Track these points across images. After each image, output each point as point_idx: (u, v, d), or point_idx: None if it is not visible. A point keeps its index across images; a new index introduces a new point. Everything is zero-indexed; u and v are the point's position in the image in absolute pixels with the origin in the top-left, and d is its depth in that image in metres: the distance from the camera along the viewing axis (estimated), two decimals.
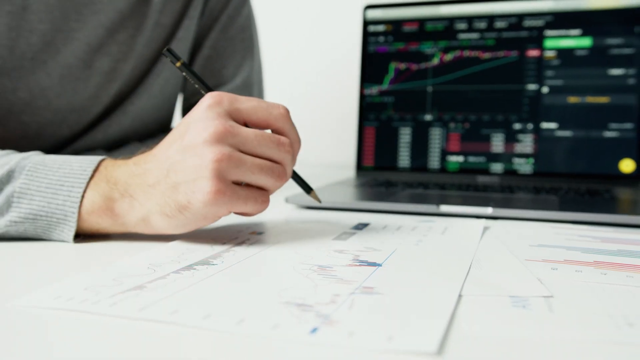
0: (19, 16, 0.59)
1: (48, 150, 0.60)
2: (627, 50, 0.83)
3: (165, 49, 0.47)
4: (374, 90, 0.95)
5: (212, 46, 0.78)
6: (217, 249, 0.41)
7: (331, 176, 0.91)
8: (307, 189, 0.51)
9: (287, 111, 0.45)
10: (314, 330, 0.25)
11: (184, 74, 0.47)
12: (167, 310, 0.28)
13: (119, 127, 0.71)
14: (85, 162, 0.44)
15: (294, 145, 0.45)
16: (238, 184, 0.42)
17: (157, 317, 0.27)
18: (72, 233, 0.43)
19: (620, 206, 0.63)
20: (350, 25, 1.21)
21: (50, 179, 0.43)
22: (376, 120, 0.94)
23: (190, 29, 0.75)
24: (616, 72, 0.83)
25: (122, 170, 0.43)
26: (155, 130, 0.78)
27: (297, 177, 0.50)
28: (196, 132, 0.41)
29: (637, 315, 0.28)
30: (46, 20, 0.61)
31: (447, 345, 0.24)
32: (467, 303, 0.30)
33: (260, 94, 0.84)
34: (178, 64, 0.47)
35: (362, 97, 0.95)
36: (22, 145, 0.65)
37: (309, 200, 0.63)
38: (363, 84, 0.96)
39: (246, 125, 0.43)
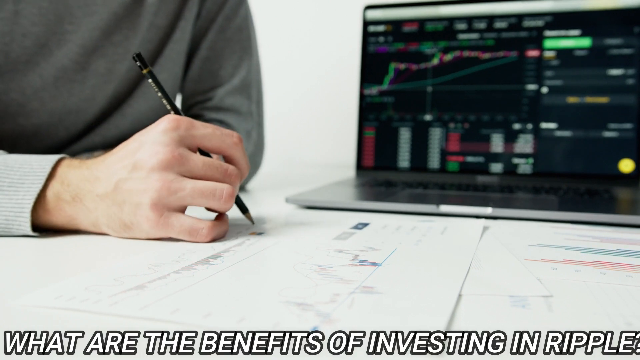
0: (12, 21, 0.59)
1: (46, 153, 0.60)
2: (626, 51, 0.83)
3: (134, 54, 0.47)
4: (373, 90, 0.95)
5: (209, 47, 0.78)
6: (217, 248, 0.41)
7: (331, 176, 0.91)
8: (244, 208, 0.52)
9: (240, 139, 0.47)
10: (314, 329, 0.25)
11: (149, 81, 0.48)
12: (168, 309, 0.28)
13: (117, 130, 0.71)
14: (44, 161, 0.45)
15: (243, 173, 0.47)
16: (182, 209, 0.44)
17: (157, 316, 0.27)
18: (28, 225, 0.44)
19: (619, 206, 0.63)
20: (350, 25, 1.21)
21: (12, 178, 0.45)
22: (376, 120, 0.94)
23: (186, 30, 0.74)
24: (615, 72, 0.83)
25: (75, 172, 0.45)
26: None
27: (238, 200, 0.51)
28: (147, 154, 0.43)
29: (635, 315, 0.28)
30: (40, 24, 0.61)
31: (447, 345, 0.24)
32: (467, 302, 0.30)
33: (258, 94, 0.84)
34: (145, 71, 0.47)
35: (362, 97, 0.95)
36: (19, 146, 0.65)
37: (309, 200, 0.63)
38: (363, 84, 0.96)
39: (200, 150, 0.46)
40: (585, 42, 0.85)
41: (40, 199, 0.44)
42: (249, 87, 0.81)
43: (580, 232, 0.50)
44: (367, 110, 0.95)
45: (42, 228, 0.46)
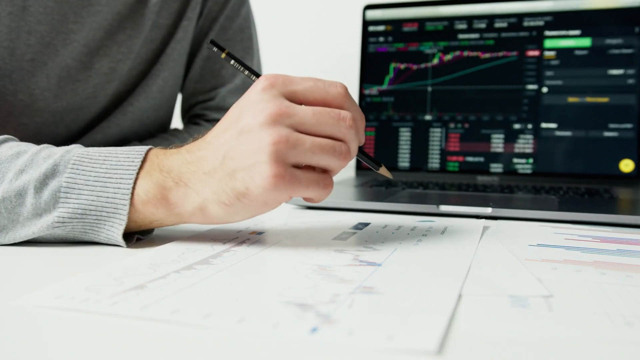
0: (19, 17, 0.60)
1: None
2: (626, 50, 0.83)
3: (209, 40, 0.45)
4: (373, 90, 0.95)
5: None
6: (217, 248, 0.41)
7: None
8: (376, 165, 0.47)
9: (346, 88, 0.42)
10: (314, 329, 0.25)
11: (232, 62, 0.45)
12: (168, 309, 0.28)
13: (118, 128, 0.71)
14: (132, 153, 0.42)
15: (357, 121, 0.41)
16: (299, 167, 0.40)
17: (157, 317, 0.27)
18: (122, 227, 0.40)
19: (619, 206, 0.63)
20: (350, 25, 1.21)
21: (98, 172, 0.41)
22: (376, 120, 0.94)
23: (188, 30, 0.75)
24: (616, 72, 0.83)
25: (174, 158, 0.42)
26: (155, 130, 0.78)
27: (363, 154, 0.46)
28: (251, 115, 0.39)
29: (635, 315, 0.28)
30: (45, 22, 0.61)
31: (447, 345, 0.24)
32: (467, 302, 0.30)
33: None
34: (223, 55, 0.45)
35: (362, 97, 0.95)
36: None
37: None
38: (363, 84, 0.96)
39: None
40: (586, 42, 0.85)
41: (137, 196, 0.40)
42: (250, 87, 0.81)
43: (581, 232, 0.50)
44: (367, 110, 0.95)
45: (130, 233, 0.42)
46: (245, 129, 0.39)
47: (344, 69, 1.26)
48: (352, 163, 1.04)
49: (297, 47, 1.36)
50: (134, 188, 0.40)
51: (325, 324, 0.26)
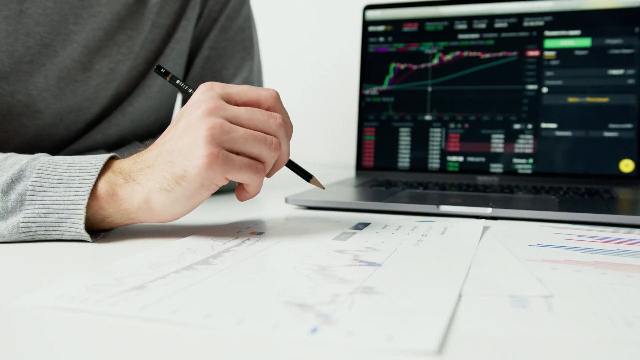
0: (16, 20, 0.60)
1: (46, 152, 0.60)
2: (626, 51, 0.83)
3: (155, 67, 0.50)
4: (373, 90, 0.95)
5: (211, 47, 0.78)
6: (217, 249, 0.41)
7: (331, 176, 0.91)
8: (307, 176, 0.51)
9: (277, 94, 0.46)
10: (314, 330, 0.25)
11: (178, 82, 0.50)
12: (168, 309, 0.28)
13: (118, 129, 0.71)
14: (95, 159, 0.45)
15: (287, 124, 0.46)
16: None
17: (157, 317, 0.27)
18: (82, 222, 0.42)
19: (619, 206, 0.63)
20: (350, 25, 1.21)
21: (62, 175, 0.44)
22: (376, 120, 0.94)
23: (188, 30, 0.75)
24: (616, 72, 0.83)
25: (127, 160, 0.45)
26: (155, 131, 0.78)
27: (293, 165, 0.50)
28: (191, 112, 0.43)
29: (635, 315, 0.28)
30: (44, 24, 0.61)
31: (447, 345, 0.24)
32: (467, 303, 0.30)
33: None
34: (167, 79, 0.50)
35: (362, 97, 0.95)
36: (20, 148, 0.65)
37: (309, 200, 0.63)
38: (363, 84, 0.96)
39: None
40: (586, 42, 0.85)
41: (92, 195, 0.43)
42: None
43: (581, 232, 0.50)
44: (367, 110, 0.95)
45: (93, 230, 0.45)
46: (185, 124, 0.43)
47: (344, 69, 1.26)
48: (352, 163, 1.03)
49: (297, 47, 1.36)
50: (94, 188, 0.43)
51: (325, 324, 0.26)
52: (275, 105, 0.45)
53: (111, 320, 0.27)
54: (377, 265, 0.37)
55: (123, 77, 0.70)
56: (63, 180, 0.43)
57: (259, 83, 0.84)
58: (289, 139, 0.46)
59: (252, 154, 0.43)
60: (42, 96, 0.64)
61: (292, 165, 0.50)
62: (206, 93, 0.44)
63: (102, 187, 0.43)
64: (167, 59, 0.73)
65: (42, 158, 0.46)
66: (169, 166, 0.43)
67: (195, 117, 0.42)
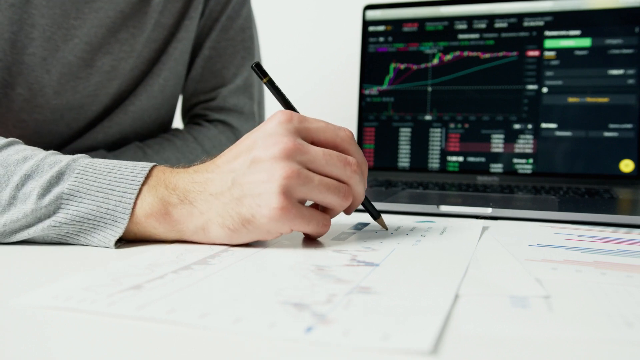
0: (22, 9, 0.59)
1: (47, 149, 0.60)
2: (626, 50, 0.83)
3: (253, 64, 0.47)
4: (373, 90, 0.95)
5: (212, 47, 0.78)
6: (215, 249, 0.41)
7: None
8: (376, 213, 0.50)
9: (352, 134, 0.44)
10: (309, 329, 0.25)
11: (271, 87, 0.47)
12: (165, 309, 0.28)
13: (119, 127, 0.71)
14: (136, 168, 0.43)
15: (362, 166, 0.44)
16: (302, 202, 0.41)
17: (154, 316, 0.27)
18: (115, 237, 0.41)
19: (619, 206, 0.63)
20: (350, 25, 1.21)
21: (101, 183, 0.42)
22: (376, 120, 0.94)
23: (190, 30, 0.75)
24: (616, 72, 0.83)
25: (181, 176, 0.43)
26: (156, 130, 0.78)
27: (366, 201, 0.49)
28: (265, 147, 0.40)
29: (635, 315, 0.28)
30: (47, 16, 0.61)
31: (446, 345, 0.24)
32: (466, 303, 0.30)
33: (260, 95, 0.84)
34: (264, 80, 0.47)
35: (362, 97, 0.95)
36: None
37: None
38: (363, 84, 0.95)
39: (313, 144, 0.43)
40: (586, 42, 0.85)
41: (139, 210, 0.41)
42: (251, 88, 0.81)
43: (580, 232, 0.50)
44: (367, 110, 0.95)
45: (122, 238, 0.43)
46: (258, 159, 0.40)
47: (344, 69, 1.26)
48: None
49: (297, 47, 1.35)
50: (135, 202, 0.41)
51: (320, 323, 0.26)
52: (350, 147, 0.43)
53: (108, 320, 0.27)
54: (375, 265, 0.37)
55: (125, 76, 0.70)
56: (102, 188, 0.42)
57: (259, 83, 0.84)
58: (365, 179, 0.45)
59: (324, 203, 0.42)
60: (42, 91, 0.63)
61: (364, 203, 0.49)
62: (284, 125, 0.41)
63: (153, 203, 0.41)
64: (169, 58, 0.73)
65: (82, 160, 0.44)
66: (236, 204, 0.40)
67: (271, 156, 0.39)
